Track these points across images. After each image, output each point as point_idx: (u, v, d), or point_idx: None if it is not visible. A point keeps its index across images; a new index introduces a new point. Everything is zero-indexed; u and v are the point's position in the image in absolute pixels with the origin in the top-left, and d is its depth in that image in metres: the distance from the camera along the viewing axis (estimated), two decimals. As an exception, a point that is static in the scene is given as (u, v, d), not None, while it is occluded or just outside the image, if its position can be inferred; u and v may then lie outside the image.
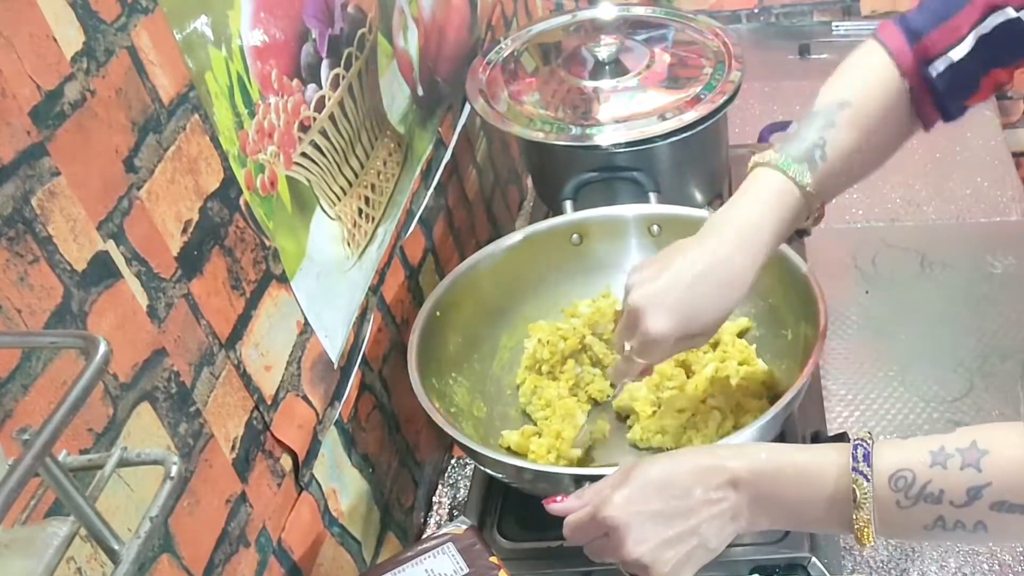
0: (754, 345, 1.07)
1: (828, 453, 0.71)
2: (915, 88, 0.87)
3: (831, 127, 0.86)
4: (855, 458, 0.69)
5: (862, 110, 0.87)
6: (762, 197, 0.86)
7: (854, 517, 0.69)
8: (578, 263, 1.17)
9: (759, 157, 0.88)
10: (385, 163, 1.14)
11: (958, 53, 0.84)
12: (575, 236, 1.16)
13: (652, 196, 1.19)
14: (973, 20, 0.83)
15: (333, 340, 0.99)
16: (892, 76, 0.87)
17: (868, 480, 0.68)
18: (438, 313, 1.06)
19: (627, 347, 0.88)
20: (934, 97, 0.87)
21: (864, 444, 0.70)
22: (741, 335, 1.09)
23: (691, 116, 1.21)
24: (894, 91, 0.87)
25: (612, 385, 1.04)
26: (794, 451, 0.74)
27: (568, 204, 1.20)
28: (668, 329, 0.84)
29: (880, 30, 0.89)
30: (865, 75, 0.89)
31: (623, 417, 1.06)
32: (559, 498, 0.79)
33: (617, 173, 1.23)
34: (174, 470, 0.53)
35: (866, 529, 0.69)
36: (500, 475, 0.97)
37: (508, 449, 1.03)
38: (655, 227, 1.15)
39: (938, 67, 0.85)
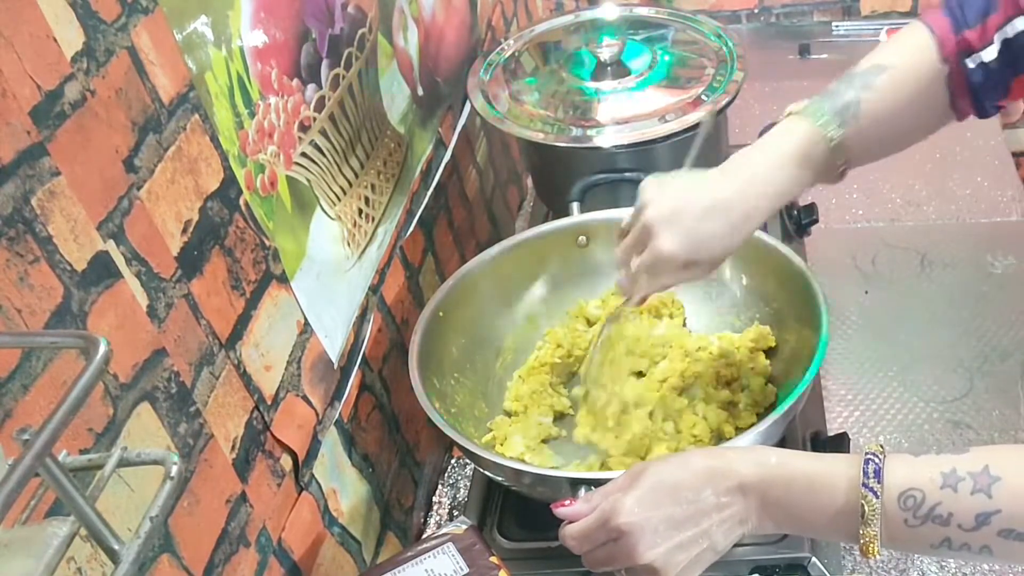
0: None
1: (839, 465, 0.71)
2: (953, 76, 0.85)
3: (867, 89, 0.86)
4: (866, 474, 0.69)
5: (899, 77, 0.86)
6: (785, 142, 0.87)
7: (861, 532, 0.69)
8: (583, 265, 1.17)
9: (794, 106, 0.89)
10: (385, 163, 1.14)
11: (988, 55, 0.83)
12: (581, 238, 1.16)
13: None
14: (999, 23, 0.81)
15: (333, 340, 0.99)
16: (932, 56, 0.86)
17: (877, 497, 0.68)
18: (441, 313, 1.06)
19: (633, 264, 0.89)
20: (970, 90, 0.86)
21: (875, 459, 0.69)
22: (763, 349, 1.07)
23: (693, 117, 1.21)
24: (932, 71, 0.86)
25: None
26: (805, 460, 0.73)
27: (575, 206, 1.20)
28: (677, 250, 0.85)
29: (927, 13, 0.88)
30: (906, 47, 0.88)
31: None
32: (567, 502, 0.79)
33: (623, 175, 1.23)
34: (174, 470, 0.53)
35: (872, 544, 0.69)
36: (499, 478, 0.97)
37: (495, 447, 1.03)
38: None
39: (973, 62, 0.84)
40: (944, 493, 0.67)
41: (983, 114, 0.88)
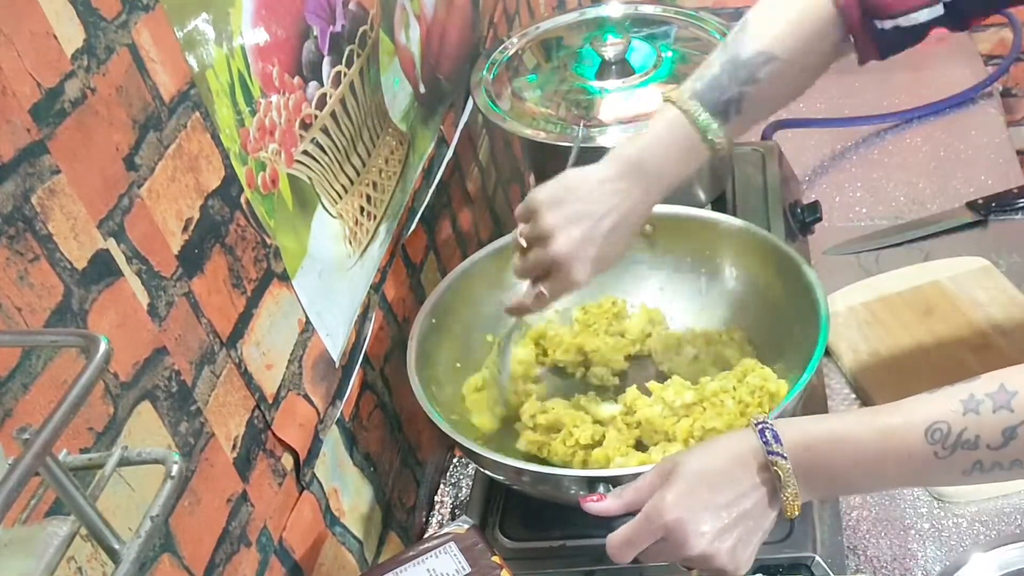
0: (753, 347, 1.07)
1: (861, 417, 0.74)
2: (858, 37, 0.87)
3: (753, 83, 0.88)
4: (766, 441, 0.73)
5: (788, 65, 0.88)
6: (670, 146, 0.90)
7: (783, 495, 0.73)
8: None
9: (672, 94, 0.90)
10: (387, 161, 1.13)
11: (920, 17, 0.84)
12: None
13: None
14: None
15: (335, 339, 0.99)
16: (829, 18, 0.87)
17: (784, 458, 0.72)
18: (434, 320, 1.06)
19: (540, 286, 0.92)
20: (878, 47, 0.88)
21: (769, 427, 0.74)
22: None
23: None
24: (827, 34, 0.88)
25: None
26: (822, 423, 0.76)
27: None
28: (589, 277, 0.91)
29: None
30: (797, 18, 0.88)
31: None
32: (594, 497, 0.80)
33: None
34: (175, 469, 0.52)
35: (795, 503, 0.73)
36: (500, 477, 0.97)
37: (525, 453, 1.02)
38: (647, 226, 1.15)
39: (887, 25, 0.85)
40: (968, 419, 0.69)
41: (884, 58, 0.89)
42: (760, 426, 0.74)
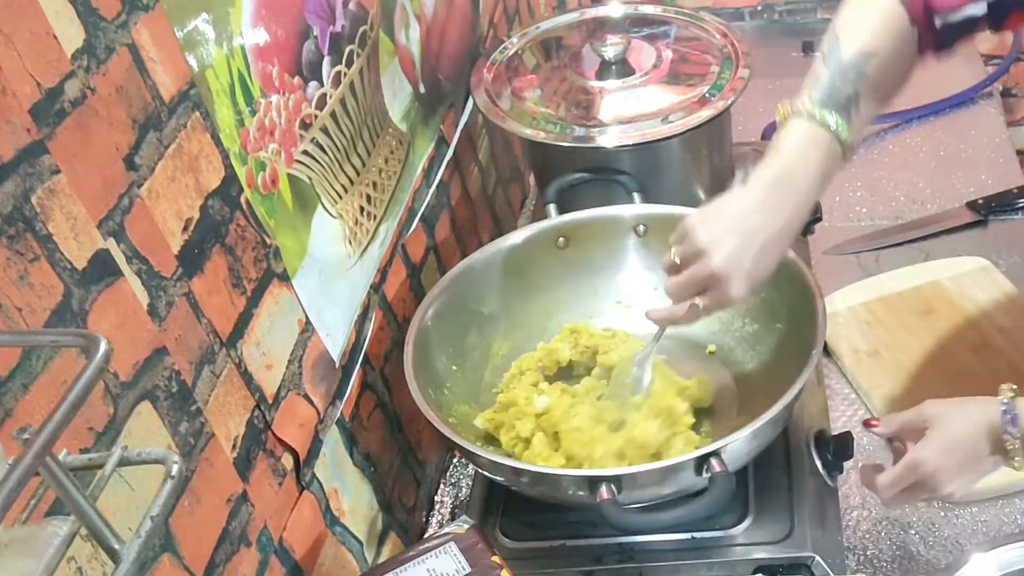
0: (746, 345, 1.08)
1: None
2: (922, 35, 0.92)
3: (862, 80, 0.91)
4: (1006, 422, 0.83)
5: (885, 61, 0.92)
6: (814, 157, 0.90)
7: (1013, 463, 0.85)
8: (564, 267, 1.17)
9: (797, 106, 0.92)
10: (387, 161, 1.13)
11: (971, 11, 0.89)
12: (560, 240, 1.16)
13: (636, 196, 1.19)
14: None
15: (335, 339, 0.99)
16: (903, 22, 0.91)
17: (1017, 438, 0.84)
18: (429, 323, 1.06)
19: (699, 301, 0.92)
20: (936, 41, 0.92)
21: (1012, 409, 0.84)
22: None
23: (699, 117, 1.20)
24: (905, 36, 0.92)
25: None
26: None
27: (552, 208, 1.20)
28: (746, 294, 0.91)
29: None
30: (881, 21, 0.92)
31: None
32: (875, 421, 0.94)
33: (602, 175, 1.22)
34: (175, 469, 0.53)
35: None
36: (499, 478, 0.97)
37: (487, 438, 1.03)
38: (641, 227, 1.15)
39: (946, 18, 0.90)
40: None
41: (940, 55, 0.94)
42: (1005, 407, 0.84)
